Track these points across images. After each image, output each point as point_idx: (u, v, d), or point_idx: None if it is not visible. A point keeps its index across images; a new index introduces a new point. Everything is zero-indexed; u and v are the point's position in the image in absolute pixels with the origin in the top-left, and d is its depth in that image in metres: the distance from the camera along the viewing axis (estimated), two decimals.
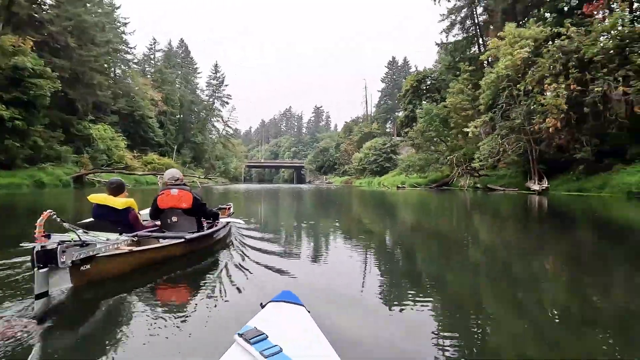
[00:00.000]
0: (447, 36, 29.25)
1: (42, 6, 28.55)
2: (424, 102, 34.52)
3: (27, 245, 2.54)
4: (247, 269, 3.22)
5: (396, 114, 74.96)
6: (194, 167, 56.60)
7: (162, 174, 30.55)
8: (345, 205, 14.28)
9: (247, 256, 3.78)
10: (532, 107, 16.71)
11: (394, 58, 77.23)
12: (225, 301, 2.42)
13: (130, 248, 3.05)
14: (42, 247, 2.23)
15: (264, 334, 1.32)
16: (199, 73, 69.02)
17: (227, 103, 68.52)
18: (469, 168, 21.99)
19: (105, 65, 40.60)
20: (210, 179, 29.90)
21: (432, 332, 1.98)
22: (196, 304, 2.37)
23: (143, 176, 29.02)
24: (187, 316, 2.14)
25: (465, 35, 29.00)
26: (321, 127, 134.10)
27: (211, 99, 67.75)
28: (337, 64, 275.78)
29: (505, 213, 10.57)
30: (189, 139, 60.04)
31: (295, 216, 9.68)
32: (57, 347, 1.80)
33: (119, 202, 3.51)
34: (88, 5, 39.59)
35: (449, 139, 26.80)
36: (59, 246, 2.27)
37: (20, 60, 20.31)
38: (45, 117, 23.55)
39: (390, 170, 47.88)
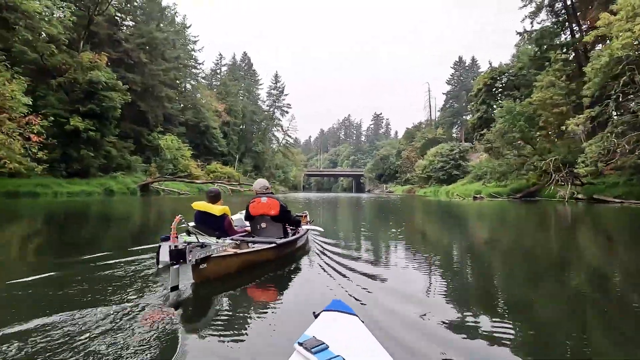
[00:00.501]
0: (531, 23, 25.17)
1: (119, 26, 30.66)
2: (501, 101, 30.38)
3: (164, 243, 3.42)
4: (326, 278, 3.32)
5: (464, 117, 69.41)
6: (254, 176, 57.68)
7: (221, 182, 31.06)
8: (416, 220, 11.91)
9: (326, 264, 3.85)
10: None
11: (460, 58, 71.90)
12: (308, 308, 2.36)
13: (234, 250, 3.39)
14: (175, 246, 2.68)
15: (324, 343, 1.32)
16: (260, 84, 71.10)
17: (287, 112, 69.24)
18: (568, 174, 17.99)
19: (176, 79, 43.03)
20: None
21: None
22: (281, 309, 2.56)
23: (206, 184, 29.32)
24: (267, 320, 2.33)
25: (554, 19, 24.69)
26: (381, 134, 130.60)
27: (271, 109, 69.04)
28: (353, 68, 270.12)
29: (635, 234, 7.63)
30: (250, 149, 61.56)
31: (363, 229, 8.41)
32: (184, 329, 2.12)
33: (217, 209, 3.87)
34: (161, 24, 42.63)
35: (537, 140, 22.74)
36: (187, 246, 2.71)
37: (95, 74, 21.47)
38: (116, 128, 24.71)
39: (459, 179, 43.53)
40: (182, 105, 47.90)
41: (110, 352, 1.80)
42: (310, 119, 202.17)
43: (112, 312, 2.29)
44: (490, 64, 39.83)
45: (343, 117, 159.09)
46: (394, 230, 7.82)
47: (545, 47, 25.15)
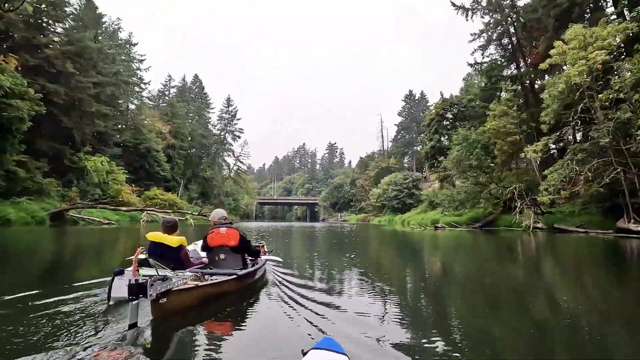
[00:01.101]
0: (482, 55, 25.91)
1: (44, 31, 26.79)
2: (456, 129, 30.70)
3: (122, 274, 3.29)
4: (290, 309, 3.29)
5: (414, 148, 71.54)
6: (201, 204, 53.29)
7: (151, 211, 27.18)
8: (379, 255, 9.99)
9: (286, 295, 3.81)
10: (624, 119, 12.55)
11: (410, 92, 75.18)
12: (273, 343, 2.48)
13: (195, 283, 3.22)
14: (135, 280, 2.51)
15: None
16: (212, 108, 67.98)
17: (239, 137, 66.42)
18: (531, 203, 17.41)
19: (114, 96, 38.86)
20: (204, 216, 26.04)
21: None
22: (248, 343, 2.50)
23: (136, 212, 25.32)
24: (239, 356, 2.29)
25: (502, 53, 25.61)
26: (335, 163, 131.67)
27: (222, 133, 65.81)
28: (352, 68, 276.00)
29: (618, 268, 6.89)
30: (197, 174, 57.31)
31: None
32: None
33: (174, 240, 3.72)
34: (99, 37, 38.84)
35: (492, 168, 22.52)
36: (149, 279, 2.53)
37: None
38: (21, 144, 20.45)
39: (413, 207, 43.32)
40: (120, 124, 43.42)
41: None
42: (265, 144, 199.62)
43: (65, 357, 2.07)
44: (441, 94, 41.07)
45: (298, 145, 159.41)
46: (356, 265, 6.98)
47: (494, 79, 25.83)
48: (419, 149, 70.85)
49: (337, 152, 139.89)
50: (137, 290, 2.49)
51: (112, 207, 23.60)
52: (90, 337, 2.39)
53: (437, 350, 2.36)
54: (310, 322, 2.83)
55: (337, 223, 53.98)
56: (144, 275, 2.79)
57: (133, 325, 2.49)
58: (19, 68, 20.73)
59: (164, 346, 2.39)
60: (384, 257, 9.36)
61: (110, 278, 3.31)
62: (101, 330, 2.53)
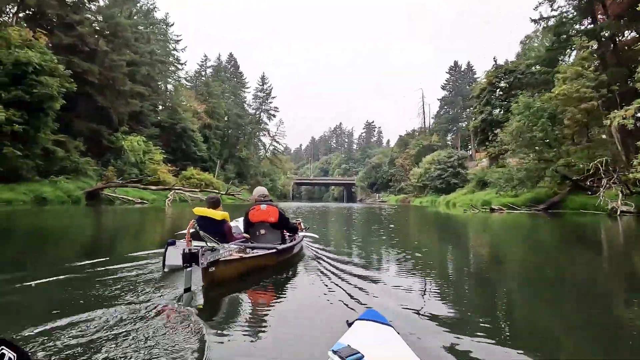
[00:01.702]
0: (550, 7, 21.79)
1: (77, 9, 26.52)
2: (510, 100, 27.03)
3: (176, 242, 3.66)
4: (327, 282, 3.37)
5: (459, 124, 66.47)
6: (237, 184, 53.41)
7: (179, 190, 26.58)
8: (428, 240, 8.05)
9: (323, 268, 3.96)
10: None
11: (456, 63, 69.19)
12: (313, 314, 2.57)
13: (240, 255, 3.43)
14: (189, 249, 2.79)
15: (359, 352, 1.30)
16: (247, 87, 67.20)
17: (274, 116, 65.31)
18: (617, 181, 14.27)
19: (148, 75, 38.84)
20: (233, 195, 25.11)
21: None
22: (288, 313, 2.57)
23: (165, 190, 24.87)
24: (282, 324, 2.33)
25: (575, 3, 21.39)
26: (372, 143, 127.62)
27: (258, 112, 65.00)
28: (365, 64, 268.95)
29: None
30: (234, 154, 57.29)
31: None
32: (206, 328, 2.10)
33: (218, 214, 4.00)
34: (134, 15, 38.63)
35: (561, 141, 19.17)
36: (201, 249, 2.82)
37: (23, 53, 17.27)
38: (55, 122, 20.34)
39: (458, 188, 40.06)
40: (157, 104, 43.68)
41: (137, 348, 1.79)
42: (302, 124, 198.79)
43: (132, 311, 2.34)
44: (495, 61, 36.57)
45: (335, 125, 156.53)
46: (396, 245, 6.78)
47: (563, 36, 21.85)
48: (464, 125, 65.96)
49: (374, 131, 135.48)
50: (191, 258, 2.74)
51: (142, 186, 23.31)
52: (151, 297, 2.72)
53: (479, 327, 2.28)
54: (350, 295, 2.89)
55: (375, 204, 51.88)
56: (195, 246, 2.98)
57: (188, 290, 2.75)
58: (50, 45, 20.39)
59: (214, 309, 2.64)
60: (429, 240, 8.32)
61: (164, 249, 3.65)
62: (159, 292, 2.87)
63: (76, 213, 14.80)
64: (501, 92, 32.92)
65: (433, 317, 2.41)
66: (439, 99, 70.31)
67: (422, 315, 2.46)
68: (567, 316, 2.77)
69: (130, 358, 1.70)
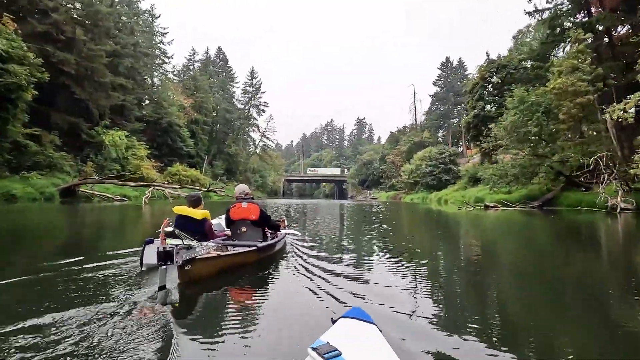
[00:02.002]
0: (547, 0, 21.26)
1: None
2: (503, 95, 26.58)
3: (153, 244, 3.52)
4: (308, 280, 3.29)
5: (451, 120, 66.29)
6: (226, 180, 52.25)
7: (158, 185, 25.41)
8: (422, 239, 7.35)
9: (305, 267, 3.84)
10: None
11: (447, 59, 68.85)
12: (293, 312, 2.51)
13: (217, 253, 3.45)
14: (163, 248, 2.74)
15: (337, 350, 1.29)
16: (236, 82, 65.83)
17: (264, 111, 64.12)
18: (616, 176, 13.75)
19: (132, 68, 37.37)
20: (215, 192, 24.12)
21: None
22: (268, 311, 2.50)
23: (140, 187, 23.72)
24: (261, 321, 2.28)
25: None
26: (363, 139, 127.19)
27: (247, 107, 63.72)
28: (363, 63, 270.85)
29: None
30: (222, 150, 56.06)
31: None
32: (177, 326, 2.10)
33: (198, 213, 3.90)
34: (117, 7, 37.05)
35: (552, 137, 18.67)
36: (175, 247, 2.77)
37: None
38: (24, 115, 19.05)
39: (449, 184, 39.70)
40: (142, 98, 42.15)
41: (107, 348, 1.79)
42: (300, 122, 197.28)
43: (104, 310, 2.33)
44: (487, 55, 36.10)
45: (326, 121, 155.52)
46: (386, 242, 6.29)
47: (559, 29, 21.36)
48: (455, 122, 65.80)
49: (366, 127, 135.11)
50: (165, 257, 2.70)
51: (120, 182, 22.16)
52: (127, 295, 2.69)
53: (469, 329, 2.18)
54: (334, 294, 2.84)
55: (366, 201, 51.33)
56: (170, 244, 2.92)
57: (162, 287, 2.66)
58: (19, 31, 19.04)
59: (190, 307, 2.59)
60: (421, 239, 7.93)
61: (141, 247, 3.67)
62: (136, 290, 2.85)
63: (49, 211, 13.80)
64: (493, 88, 32.48)
65: (421, 318, 2.35)
66: (430, 95, 70.12)
67: (408, 315, 2.40)
68: (563, 317, 2.59)
69: (97, 356, 1.71)
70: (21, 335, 1.90)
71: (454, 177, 40.96)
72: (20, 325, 2.03)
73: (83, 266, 3.66)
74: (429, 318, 2.34)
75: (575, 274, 4.14)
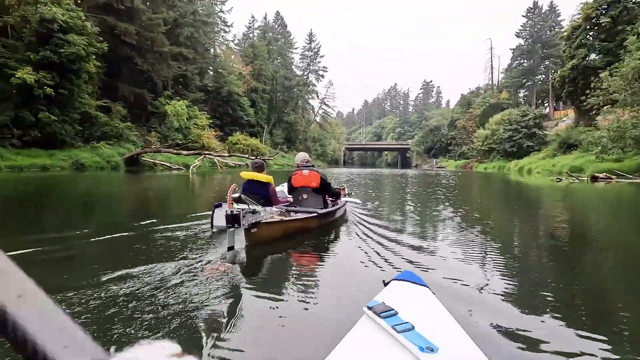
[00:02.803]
0: None
1: None
2: (614, 39, 20.99)
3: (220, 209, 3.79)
4: (367, 246, 3.41)
5: (537, 77, 57.16)
6: (286, 149, 52.08)
7: (208, 154, 25.07)
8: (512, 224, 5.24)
9: (364, 234, 3.93)
10: None
11: (535, 4, 58.14)
12: (351, 274, 2.66)
13: (281, 217, 3.60)
14: (231, 211, 2.98)
15: (393, 309, 1.31)
16: (295, 48, 63.86)
17: (323, 77, 61.65)
18: None
19: (192, 37, 37.57)
20: (267, 159, 23.21)
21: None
22: (326, 273, 2.69)
23: (193, 155, 23.82)
24: (320, 282, 2.43)
25: None
26: (430, 104, 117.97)
27: (305, 73, 61.80)
28: (416, 34, 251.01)
29: None
30: (282, 119, 55.61)
31: None
32: (244, 282, 2.37)
33: (263, 177, 4.10)
34: None
35: None
36: (242, 211, 2.99)
37: (46, 10, 16.22)
38: (88, 84, 19.62)
39: (532, 152, 34.38)
40: (204, 68, 42.65)
41: (183, 299, 2.00)
42: (354, 89, 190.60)
43: (181, 266, 2.58)
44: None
45: (389, 86, 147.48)
46: (457, 217, 5.76)
47: None
48: (541, 79, 56.59)
49: (432, 91, 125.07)
50: (233, 220, 2.94)
51: (175, 152, 22.38)
52: (200, 254, 2.98)
53: (544, 306, 2.04)
54: (389, 260, 2.92)
55: (432, 170, 47.50)
56: (237, 208, 3.17)
57: (231, 248, 3.00)
58: (79, 1, 19.28)
59: (255, 266, 2.87)
60: (502, 217, 6.67)
61: (211, 211, 3.97)
62: (207, 249, 3.14)
63: (115, 179, 14.30)
64: (600, 31, 26.07)
65: (491, 294, 2.21)
66: (511, 49, 60.69)
67: (477, 289, 2.29)
68: None
69: (172, 305, 1.91)
70: (118, 283, 2.23)
71: (538, 143, 35.30)
72: (117, 273, 2.40)
73: (158, 227, 4.03)
74: (500, 295, 2.20)
75: None
